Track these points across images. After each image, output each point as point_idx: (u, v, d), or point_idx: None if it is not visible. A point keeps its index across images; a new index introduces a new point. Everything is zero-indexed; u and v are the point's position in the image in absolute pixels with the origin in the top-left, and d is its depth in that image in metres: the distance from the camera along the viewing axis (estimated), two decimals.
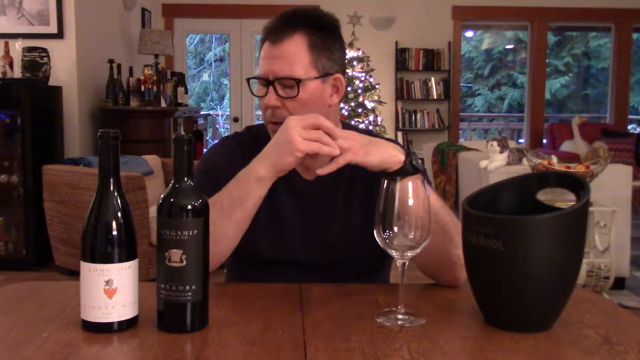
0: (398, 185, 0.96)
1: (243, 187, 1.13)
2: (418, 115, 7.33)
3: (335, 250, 1.30)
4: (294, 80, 1.21)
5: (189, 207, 0.91)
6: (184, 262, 0.90)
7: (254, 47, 7.32)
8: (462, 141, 7.01)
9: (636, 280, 3.84)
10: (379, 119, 6.27)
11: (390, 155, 1.10)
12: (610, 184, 3.44)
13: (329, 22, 1.27)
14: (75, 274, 3.59)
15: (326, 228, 1.30)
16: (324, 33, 1.25)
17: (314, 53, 1.22)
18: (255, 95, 1.28)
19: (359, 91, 6.20)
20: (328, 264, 1.30)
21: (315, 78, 1.22)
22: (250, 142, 1.34)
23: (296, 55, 1.21)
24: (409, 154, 1.12)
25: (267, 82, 1.23)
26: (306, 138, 1.08)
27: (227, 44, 8.11)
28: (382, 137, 1.41)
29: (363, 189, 1.30)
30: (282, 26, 1.22)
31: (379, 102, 6.38)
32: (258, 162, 1.13)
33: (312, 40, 1.22)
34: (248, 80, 1.30)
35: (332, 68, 1.26)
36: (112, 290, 0.90)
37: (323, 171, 1.09)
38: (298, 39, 1.22)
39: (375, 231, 0.98)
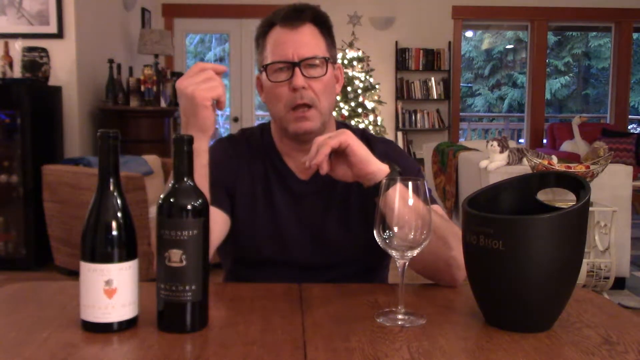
0: (398, 185, 0.96)
1: None
2: (418, 115, 7.32)
3: (332, 250, 1.30)
4: (322, 59, 1.26)
5: (189, 207, 0.91)
6: (184, 262, 0.90)
7: (254, 47, 7.31)
8: (462, 141, 7.00)
9: (636, 280, 3.84)
10: (379, 119, 6.27)
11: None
12: (610, 184, 3.44)
13: (327, 17, 1.34)
14: (75, 274, 3.59)
15: (323, 228, 1.30)
16: (328, 25, 1.32)
17: (326, 40, 1.30)
18: (274, 82, 1.26)
19: (359, 91, 6.20)
20: (326, 264, 1.29)
21: (331, 62, 1.29)
22: (244, 142, 1.37)
23: (316, 38, 1.28)
24: (390, 164, 1.14)
25: (292, 64, 1.24)
26: (202, 85, 1.09)
27: (227, 44, 8.11)
28: (376, 137, 1.41)
29: (359, 189, 1.29)
30: (298, 14, 1.27)
31: (379, 102, 6.38)
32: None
33: (321, 30, 1.30)
34: (265, 67, 1.28)
35: (335, 58, 1.33)
36: (112, 290, 0.90)
37: (316, 160, 1.09)
38: (312, 27, 1.29)
39: (375, 231, 0.98)
